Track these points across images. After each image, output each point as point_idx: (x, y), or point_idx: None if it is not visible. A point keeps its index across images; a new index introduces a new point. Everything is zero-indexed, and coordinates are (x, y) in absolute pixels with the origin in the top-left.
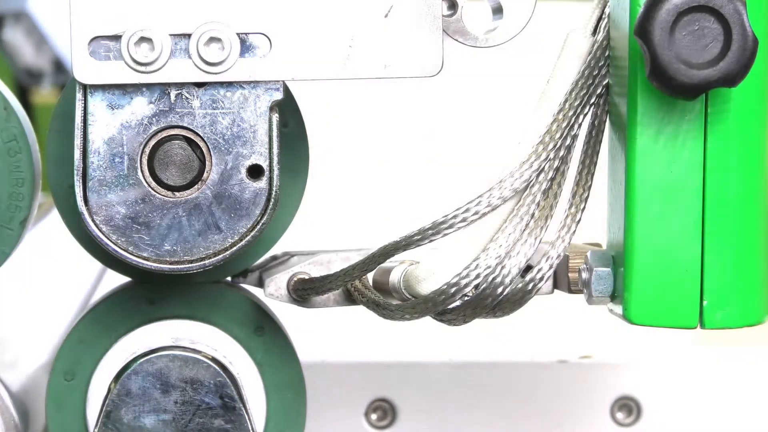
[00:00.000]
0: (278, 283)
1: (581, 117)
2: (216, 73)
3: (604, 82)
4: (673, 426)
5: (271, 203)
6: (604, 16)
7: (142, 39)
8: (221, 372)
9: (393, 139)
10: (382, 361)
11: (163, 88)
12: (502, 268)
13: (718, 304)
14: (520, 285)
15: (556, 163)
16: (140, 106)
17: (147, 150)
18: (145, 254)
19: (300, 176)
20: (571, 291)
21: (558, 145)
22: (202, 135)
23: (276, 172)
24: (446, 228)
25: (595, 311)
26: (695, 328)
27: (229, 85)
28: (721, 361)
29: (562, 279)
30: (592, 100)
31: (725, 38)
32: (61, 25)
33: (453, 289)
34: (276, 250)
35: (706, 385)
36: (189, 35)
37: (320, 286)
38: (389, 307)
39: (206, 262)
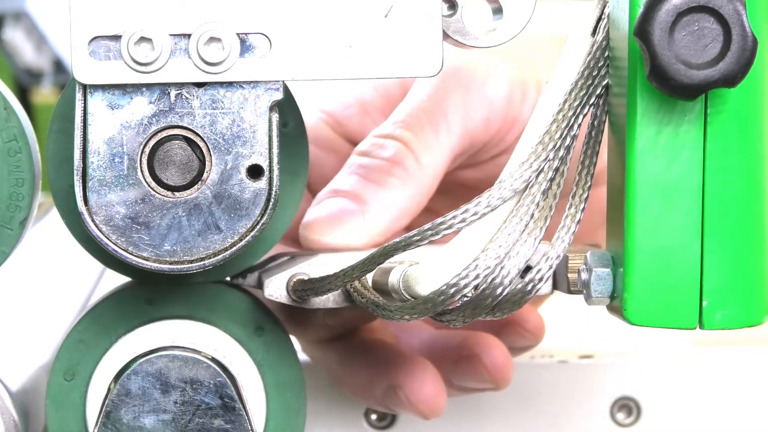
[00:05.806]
0: (277, 283)
1: (581, 117)
2: (216, 73)
3: (604, 83)
4: (673, 426)
5: (271, 203)
6: (603, 17)
7: (142, 39)
8: (221, 372)
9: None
10: None
11: (163, 88)
12: (502, 268)
13: (718, 304)
14: (519, 285)
15: (556, 164)
16: (140, 106)
17: (147, 150)
18: (144, 254)
19: (300, 176)
20: (570, 291)
21: (557, 146)
22: (201, 135)
23: (276, 172)
24: (445, 228)
25: (595, 311)
26: (695, 328)
27: (229, 85)
28: (721, 361)
29: (562, 279)
30: (592, 101)
31: (725, 38)
32: (61, 25)
33: (452, 290)
34: (276, 250)
35: (705, 386)
36: (189, 35)
37: (320, 286)
38: (389, 308)
39: (206, 262)
